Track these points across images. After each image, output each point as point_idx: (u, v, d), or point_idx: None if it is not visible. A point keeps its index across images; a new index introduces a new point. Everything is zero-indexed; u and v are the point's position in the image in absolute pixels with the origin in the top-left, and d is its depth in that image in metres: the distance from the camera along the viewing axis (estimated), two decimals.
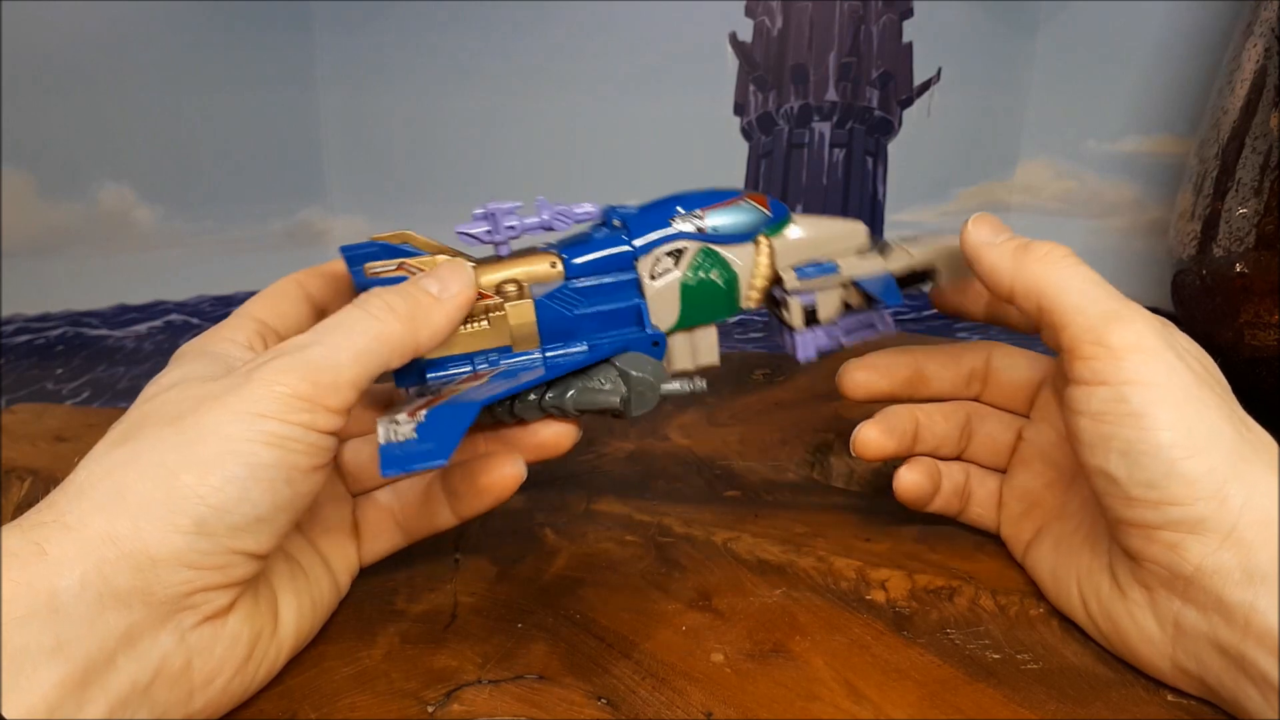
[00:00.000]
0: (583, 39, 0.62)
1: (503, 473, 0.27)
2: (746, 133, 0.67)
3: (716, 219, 0.28)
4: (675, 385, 0.28)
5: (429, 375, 0.27)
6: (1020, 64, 0.64)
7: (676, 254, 0.27)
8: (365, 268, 0.26)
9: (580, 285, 0.27)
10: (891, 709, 0.23)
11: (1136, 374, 0.23)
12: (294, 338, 0.23)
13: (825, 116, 0.66)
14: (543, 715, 0.23)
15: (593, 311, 0.27)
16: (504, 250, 0.27)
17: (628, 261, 0.27)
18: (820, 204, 0.69)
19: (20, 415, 0.43)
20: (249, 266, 0.62)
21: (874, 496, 0.36)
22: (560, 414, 0.27)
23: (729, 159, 0.68)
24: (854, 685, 0.24)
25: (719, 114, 0.67)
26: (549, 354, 0.27)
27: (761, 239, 0.28)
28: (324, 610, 0.26)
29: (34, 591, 0.18)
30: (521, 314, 0.27)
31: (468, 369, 0.27)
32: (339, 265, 0.28)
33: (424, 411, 0.23)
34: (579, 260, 0.27)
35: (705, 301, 0.28)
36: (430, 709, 0.23)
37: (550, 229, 0.27)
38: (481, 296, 0.27)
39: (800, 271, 0.28)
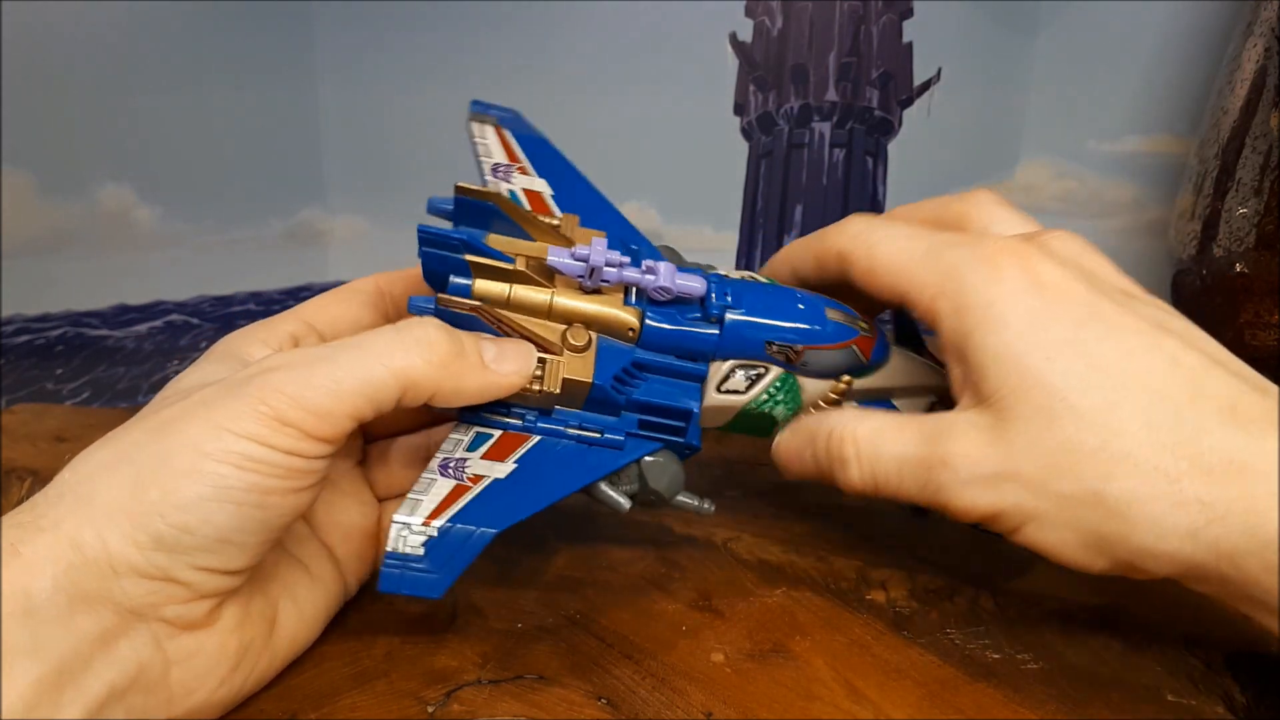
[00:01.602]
0: (583, 39, 0.62)
1: None
2: (746, 133, 0.67)
3: (815, 358, 0.25)
4: (687, 501, 0.26)
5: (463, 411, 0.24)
6: (1020, 64, 0.64)
7: (755, 377, 0.25)
8: (439, 299, 0.23)
9: (644, 358, 0.24)
10: (892, 709, 0.23)
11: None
12: (308, 348, 0.22)
13: (825, 116, 0.66)
14: (543, 715, 0.23)
15: (645, 400, 0.25)
16: (589, 284, 0.24)
17: (705, 354, 0.25)
18: (820, 204, 0.69)
19: (20, 415, 0.43)
20: (249, 266, 0.62)
21: (874, 497, 0.36)
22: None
23: (729, 159, 0.68)
24: (854, 685, 0.24)
25: (719, 114, 0.67)
26: (583, 432, 0.24)
27: (845, 378, 0.26)
28: (328, 616, 0.25)
29: (10, 591, 0.18)
30: (579, 370, 0.24)
31: (505, 420, 0.24)
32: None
33: (438, 523, 0.22)
34: (657, 327, 0.24)
35: (757, 423, 0.26)
36: (430, 709, 0.23)
37: (643, 290, 0.25)
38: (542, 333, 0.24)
39: (862, 404, 0.27)
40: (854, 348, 0.26)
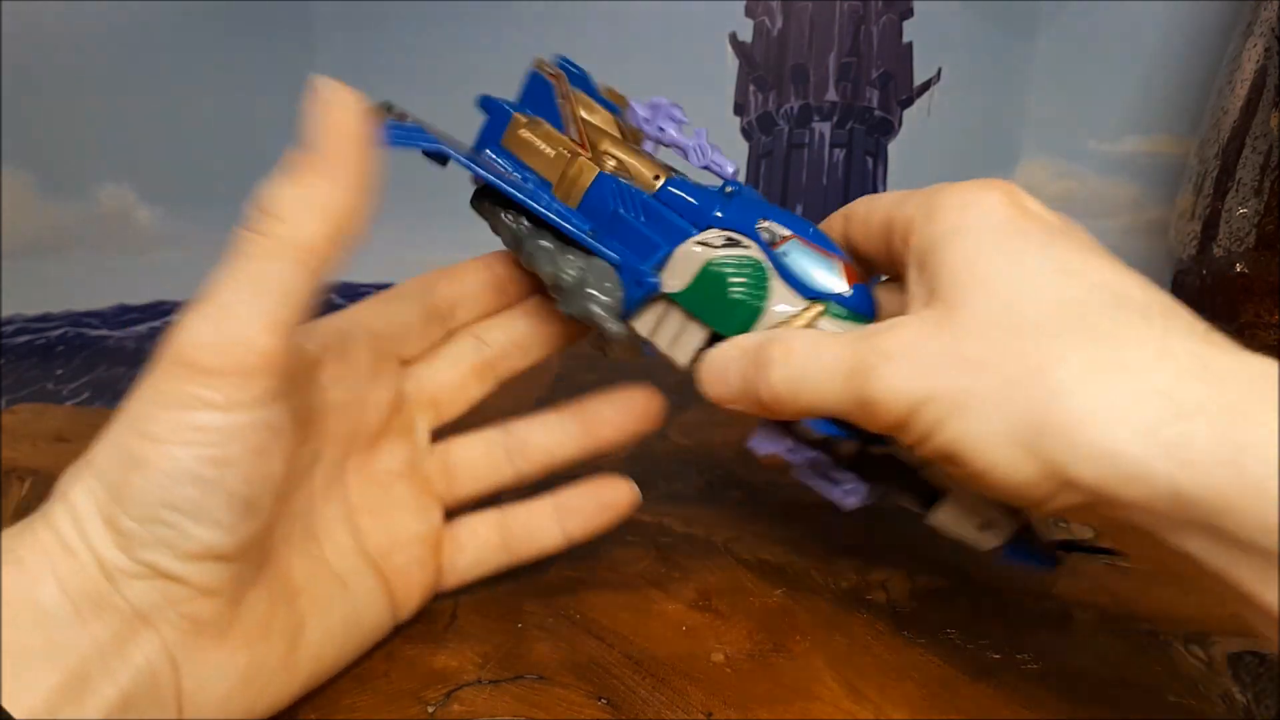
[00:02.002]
0: (583, 39, 0.62)
1: (624, 489, 0.26)
2: (746, 133, 0.67)
3: (796, 254, 0.24)
4: (598, 310, 0.25)
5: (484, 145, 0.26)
6: (1020, 64, 0.64)
7: (731, 241, 0.25)
8: (542, 65, 0.27)
9: (646, 199, 0.25)
10: (892, 709, 0.23)
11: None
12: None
13: (825, 117, 0.66)
14: (543, 715, 0.23)
15: (631, 221, 0.25)
16: (644, 143, 0.27)
17: (702, 220, 0.25)
18: (820, 204, 0.69)
19: (20, 415, 0.43)
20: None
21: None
22: (515, 246, 0.26)
23: (729, 159, 0.68)
24: (855, 685, 0.24)
25: (719, 114, 0.67)
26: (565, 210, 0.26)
27: (819, 304, 0.24)
28: (366, 637, 0.24)
29: (21, 600, 0.18)
30: (584, 174, 0.25)
31: (510, 171, 0.26)
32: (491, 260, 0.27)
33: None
34: (673, 190, 0.25)
35: (716, 301, 0.24)
36: (430, 709, 0.23)
37: (688, 159, 0.27)
38: (580, 142, 0.26)
39: None
40: (838, 264, 0.24)
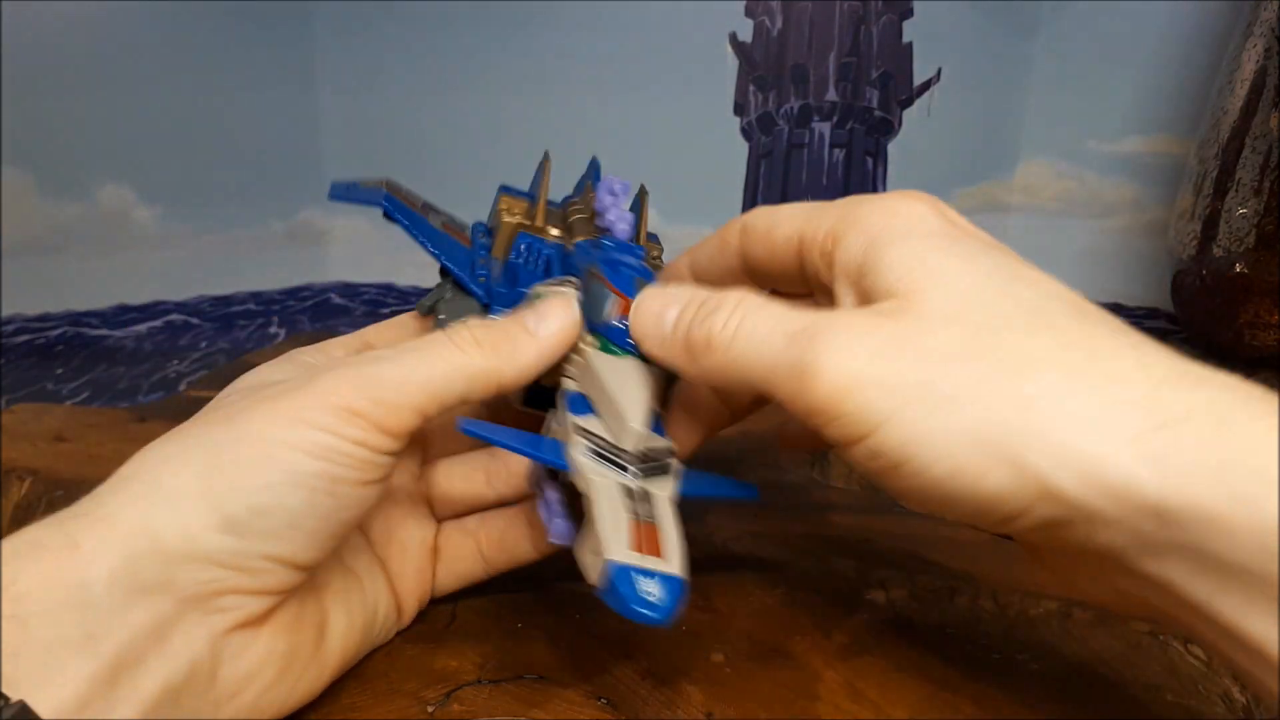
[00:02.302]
0: (583, 39, 0.62)
1: None
2: (746, 133, 0.67)
3: (595, 286, 0.25)
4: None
5: None
6: (1020, 64, 0.64)
7: (564, 282, 0.26)
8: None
9: (543, 251, 0.28)
10: (892, 709, 0.23)
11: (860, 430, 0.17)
12: (372, 351, 0.23)
13: (825, 116, 0.66)
14: (543, 715, 0.23)
15: (521, 267, 0.28)
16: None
17: (562, 269, 0.28)
18: None
19: (20, 415, 0.43)
20: (249, 266, 0.62)
21: (873, 496, 0.36)
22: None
23: (729, 159, 0.68)
24: (854, 685, 0.24)
25: (719, 114, 0.67)
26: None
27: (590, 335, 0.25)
28: (378, 633, 0.25)
29: (64, 584, 0.18)
30: (507, 231, 0.28)
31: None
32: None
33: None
34: (526, 243, 0.28)
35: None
36: (430, 709, 0.23)
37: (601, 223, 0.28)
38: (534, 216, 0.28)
39: (570, 396, 0.24)
40: (618, 300, 0.24)
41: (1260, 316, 0.41)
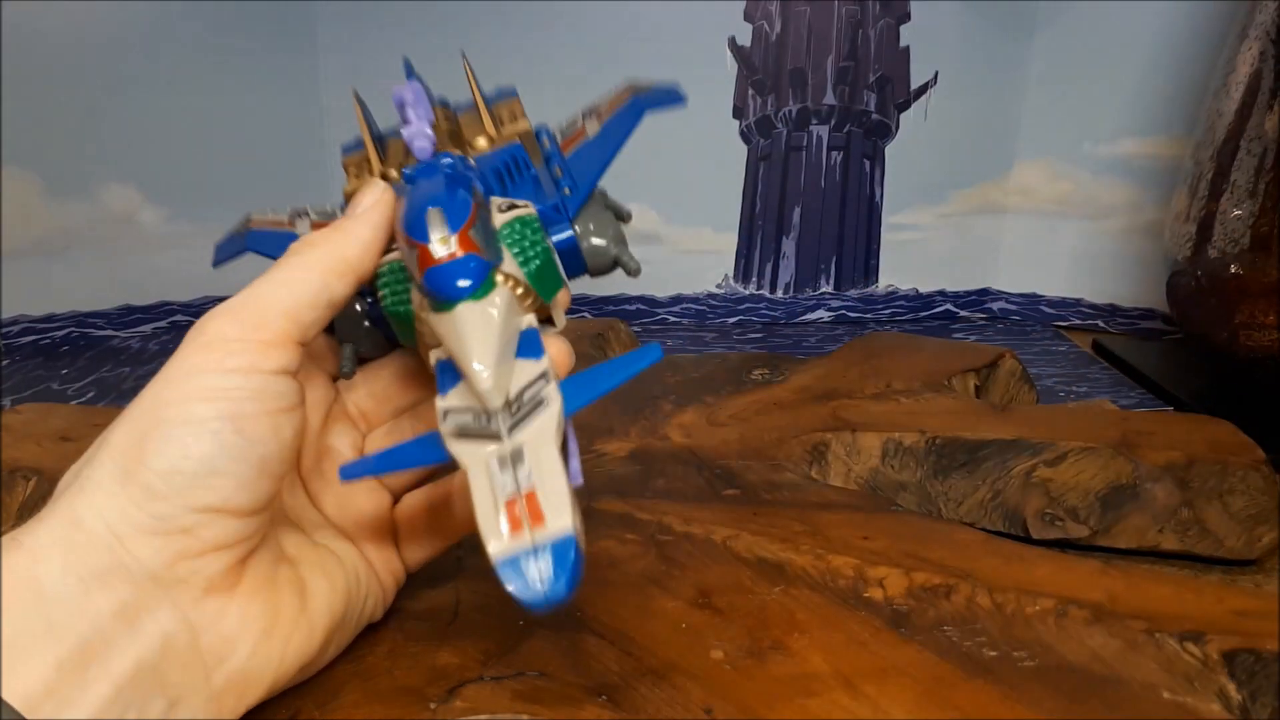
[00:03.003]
0: (583, 42, 0.62)
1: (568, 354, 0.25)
2: (745, 136, 0.68)
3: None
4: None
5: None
6: (1016, 67, 0.65)
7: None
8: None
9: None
10: (889, 705, 0.23)
11: None
12: None
13: (823, 120, 0.67)
14: (544, 712, 0.23)
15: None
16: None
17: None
18: (818, 206, 0.70)
19: (25, 415, 0.43)
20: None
21: (871, 495, 0.36)
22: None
23: (728, 162, 0.68)
24: (852, 682, 0.24)
25: (718, 117, 0.67)
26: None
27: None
28: (365, 600, 0.25)
29: (19, 582, 0.18)
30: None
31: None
32: None
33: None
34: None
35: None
36: (432, 706, 0.23)
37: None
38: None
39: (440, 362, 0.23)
40: (413, 251, 0.21)
41: (1255, 318, 0.42)
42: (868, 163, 0.68)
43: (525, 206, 0.24)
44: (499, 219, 0.23)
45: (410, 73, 0.27)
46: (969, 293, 0.71)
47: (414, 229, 0.21)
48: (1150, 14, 0.59)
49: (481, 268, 0.21)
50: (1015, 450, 0.35)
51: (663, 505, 0.34)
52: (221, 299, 0.22)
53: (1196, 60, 0.57)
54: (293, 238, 0.27)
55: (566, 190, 0.27)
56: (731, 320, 0.73)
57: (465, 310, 0.20)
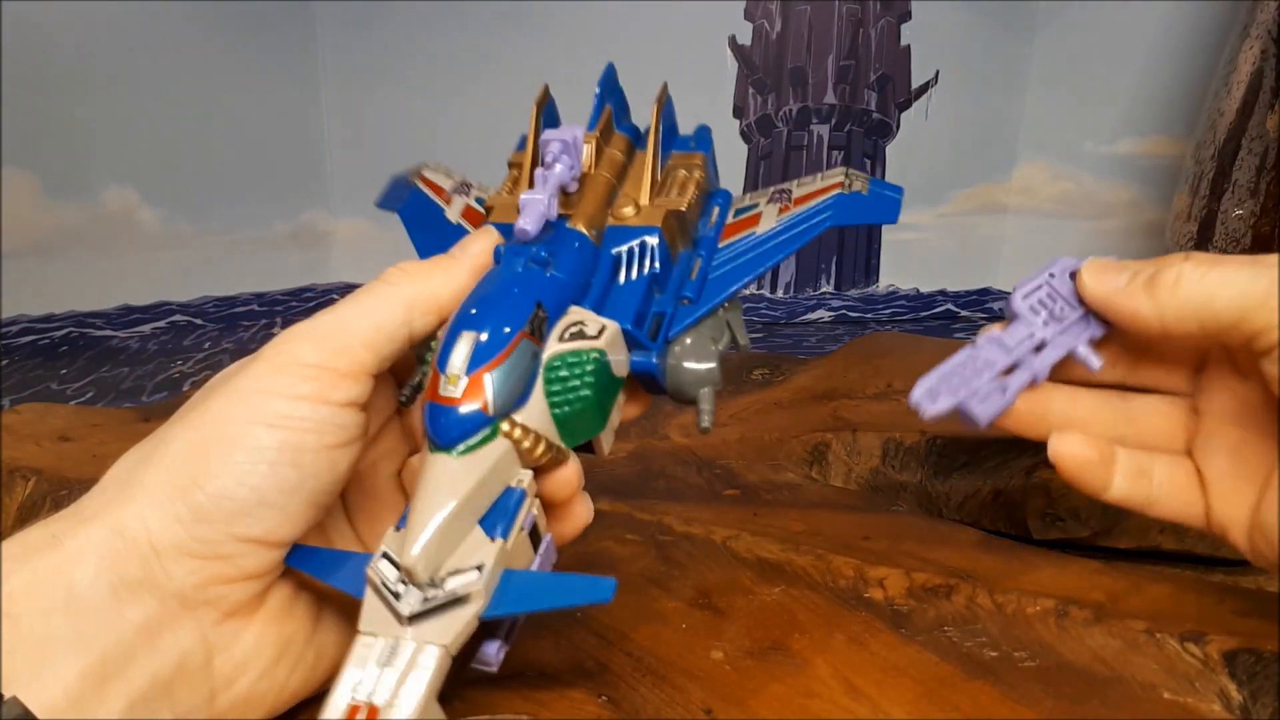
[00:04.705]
0: (584, 41, 0.62)
1: (584, 509, 0.24)
2: (746, 135, 0.68)
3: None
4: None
5: None
6: (1017, 67, 0.65)
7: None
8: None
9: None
10: (890, 706, 0.23)
11: None
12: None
13: (824, 119, 0.67)
14: (544, 712, 0.23)
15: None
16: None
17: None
18: None
19: (25, 415, 0.43)
20: (252, 267, 0.62)
21: (871, 495, 0.36)
22: None
23: (729, 161, 0.68)
24: (852, 682, 0.24)
25: (718, 116, 0.67)
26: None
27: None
28: None
29: (53, 583, 0.18)
30: None
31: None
32: None
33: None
34: None
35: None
36: None
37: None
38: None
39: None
40: (426, 371, 0.21)
41: None
42: (868, 162, 0.68)
43: (593, 338, 0.21)
44: (552, 349, 0.21)
45: (602, 99, 0.24)
46: (970, 293, 0.71)
47: (444, 343, 0.20)
48: (1150, 14, 0.59)
49: (478, 423, 0.19)
50: (1016, 450, 0.35)
51: (663, 505, 0.34)
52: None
53: (1197, 60, 0.57)
54: (442, 228, 0.26)
55: (685, 300, 0.23)
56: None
57: (440, 462, 0.20)
